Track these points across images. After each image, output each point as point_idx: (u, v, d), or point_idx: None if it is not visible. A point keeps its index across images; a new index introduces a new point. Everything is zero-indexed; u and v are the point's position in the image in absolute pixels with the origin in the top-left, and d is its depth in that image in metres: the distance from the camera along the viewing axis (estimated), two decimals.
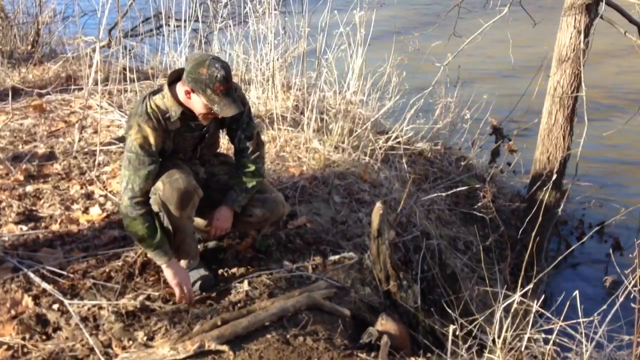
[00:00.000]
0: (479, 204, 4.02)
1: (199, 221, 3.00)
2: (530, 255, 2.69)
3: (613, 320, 2.51)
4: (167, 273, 2.77)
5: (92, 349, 2.50)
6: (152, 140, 2.64)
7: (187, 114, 2.71)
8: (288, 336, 2.62)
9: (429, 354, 2.72)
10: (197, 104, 2.62)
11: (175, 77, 2.71)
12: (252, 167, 2.93)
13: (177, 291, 2.77)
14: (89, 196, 3.56)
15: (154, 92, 2.72)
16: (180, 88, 2.64)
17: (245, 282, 2.95)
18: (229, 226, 2.91)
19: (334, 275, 3.07)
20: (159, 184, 2.67)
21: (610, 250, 3.13)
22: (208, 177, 2.95)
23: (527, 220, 3.66)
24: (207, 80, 2.53)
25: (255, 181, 2.92)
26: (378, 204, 2.94)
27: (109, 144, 4.08)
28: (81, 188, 3.63)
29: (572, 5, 4.20)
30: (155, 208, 2.70)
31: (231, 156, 3.10)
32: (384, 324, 2.77)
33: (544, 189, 4.41)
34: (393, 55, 4.92)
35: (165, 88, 2.68)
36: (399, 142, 4.68)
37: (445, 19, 4.69)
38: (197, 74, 2.54)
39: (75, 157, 3.95)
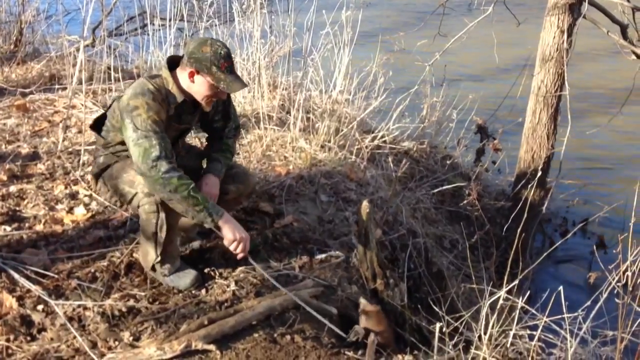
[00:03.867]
0: (465, 202, 4.05)
1: (184, 220, 2.99)
2: (516, 253, 2.72)
3: (597, 316, 2.54)
4: (227, 229, 2.64)
5: (77, 350, 2.47)
6: (162, 116, 2.61)
7: (182, 104, 2.70)
8: (275, 335, 2.62)
9: (415, 352, 2.73)
10: (202, 85, 2.61)
11: (171, 65, 2.68)
12: (232, 147, 3.02)
13: (240, 247, 2.67)
14: (73, 196, 3.53)
15: (152, 77, 2.67)
16: (182, 73, 2.62)
17: (232, 281, 2.94)
18: (217, 192, 2.88)
19: (320, 274, 3.08)
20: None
21: (594, 247, 3.16)
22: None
23: (511, 218, 3.69)
24: (212, 58, 2.53)
25: (232, 159, 3.01)
26: (365, 203, 2.95)
27: (94, 143, 4.05)
28: (65, 188, 3.60)
29: (555, 5, 4.25)
30: (151, 208, 2.67)
31: (189, 142, 3.10)
32: (365, 306, 2.77)
33: (529, 187, 4.46)
34: (379, 54, 4.94)
35: (167, 72, 2.64)
36: (385, 141, 4.70)
37: (430, 19, 4.71)
38: (201, 52, 2.53)
39: (59, 157, 3.92)
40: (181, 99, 2.68)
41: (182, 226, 3.00)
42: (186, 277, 2.88)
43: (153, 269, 2.87)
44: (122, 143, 2.72)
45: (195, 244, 3.19)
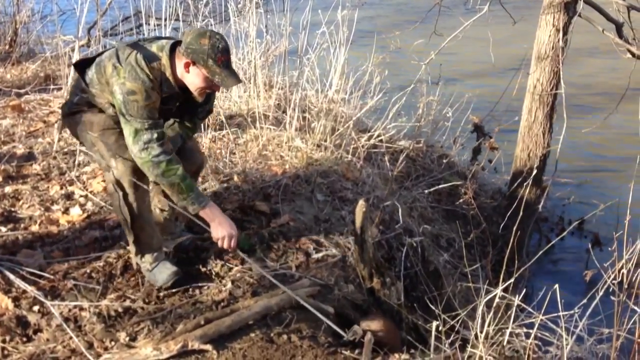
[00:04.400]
0: (461, 200, 4.05)
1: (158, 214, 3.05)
2: (512, 251, 2.72)
3: (593, 314, 2.54)
4: (213, 226, 2.66)
5: (73, 351, 2.47)
6: (157, 103, 2.61)
7: (175, 89, 2.70)
8: (272, 335, 2.62)
9: (412, 350, 2.73)
10: (196, 77, 2.60)
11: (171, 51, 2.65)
12: (198, 126, 3.08)
13: (226, 243, 2.68)
14: (69, 197, 3.53)
15: (149, 58, 2.59)
16: (179, 61, 2.61)
17: (229, 280, 2.94)
18: None
19: (317, 273, 3.07)
20: (112, 161, 2.68)
21: (591, 246, 3.16)
22: None
23: (508, 216, 3.69)
24: (209, 51, 2.52)
25: (192, 137, 3.05)
26: (361, 202, 2.95)
27: None
28: (61, 188, 3.59)
29: (550, 3, 4.25)
30: (110, 187, 2.72)
31: None
32: (370, 324, 2.77)
33: (525, 185, 4.46)
34: (375, 53, 4.94)
35: (166, 59, 2.61)
36: (381, 141, 4.70)
37: (426, 18, 4.72)
38: (199, 44, 2.52)
39: (54, 158, 3.91)
40: (175, 88, 2.67)
41: (157, 221, 3.03)
42: (163, 273, 2.85)
43: (138, 265, 2.89)
44: (94, 99, 2.71)
45: (185, 240, 3.17)
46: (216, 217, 2.67)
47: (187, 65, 2.58)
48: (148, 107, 2.55)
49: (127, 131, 2.56)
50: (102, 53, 2.72)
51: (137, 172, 2.69)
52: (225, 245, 2.69)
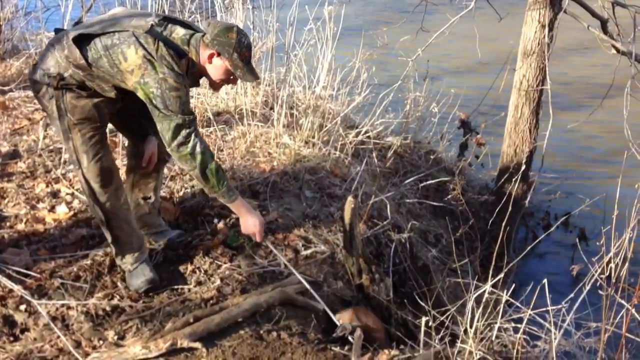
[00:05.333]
0: (449, 196, 4.07)
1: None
2: (501, 246, 2.74)
3: (580, 308, 2.57)
4: (242, 220, 2.80)
5: (61, 350, 2.45)
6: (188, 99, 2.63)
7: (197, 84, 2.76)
8: (261, 332, 2.61)
9: (402, 346, 2.74)
10: (219, 69, 2.63)
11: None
12: None
13: (257, 236, 2.83)
14: (55, 194, 3.49)
15: (179, 54, 2.56)
16: (202, 51, 2.61)
17: (217, 278, 2.93)
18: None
19: (306, 270, 3.07)
20: (83, 158, 2.66)
21: (577, 240, 3.19)
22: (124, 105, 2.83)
23: (495, 212, 3.71)
24: (235, 45, 2.56)
25: None
26: (350, 198, 2.95)
27: None
28: (47, 186, 3.55)
29: (536, 0, 4.27)
30: (81, 186, 2.74)
31: None
32: (341, 316, 2.78)
33: (512, 181, 4.49)
34: (362, 50, 4.94)
35: (195, 54, 2.61)
36: (369, 137, 4.70)
37: (412, 14, 4.72)
38: (226, 37, 2.55)
39: (40, 155, 3.87)
40: (198, 83, 2.74)
41: (142, 213, 3.04)
42: (138, 279, 2.83)
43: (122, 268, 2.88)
44: (94, 79, 2.61)
45: (175, 236, 3.16)
46: (244, 211, 2.77)
47: (211, 56, 2.60)
48: (188, 102, 2.59)
49: (166, 126, 2.54)
50: (102, 33, 2.56)
51: (105, 174, 2.69)
52: (255, 239, 2.85)
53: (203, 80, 2.80)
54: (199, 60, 2.63)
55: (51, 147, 3.97)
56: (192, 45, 2.61)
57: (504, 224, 2.83)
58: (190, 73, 2.66)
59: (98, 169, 2.67)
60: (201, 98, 4.76)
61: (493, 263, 2.64)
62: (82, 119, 2.64)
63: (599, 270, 2.38)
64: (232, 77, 2.67)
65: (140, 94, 2.55)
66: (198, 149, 2.58)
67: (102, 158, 2.69)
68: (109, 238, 2.81)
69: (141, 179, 3.04)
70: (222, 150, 4.13)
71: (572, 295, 2.52)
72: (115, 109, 2.78)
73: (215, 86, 2.77)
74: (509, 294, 2.56)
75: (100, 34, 2.57)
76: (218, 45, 2.56)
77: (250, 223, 2.78)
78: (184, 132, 2.55)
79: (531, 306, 2.49)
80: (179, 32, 2.61)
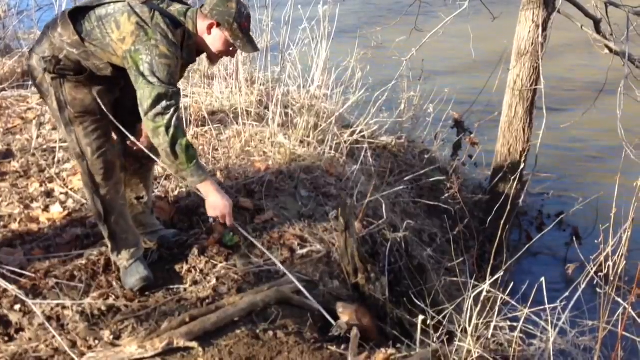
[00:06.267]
0: (446, 195, 4.07)
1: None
2: (500, 245, 2.75)
3: (575, 307, 2.58)
4: (208, 203, 2.62)
5: (56, 350, 2.44)
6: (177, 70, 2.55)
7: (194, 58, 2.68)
8: (258, 331, 2.61)
9: (398, 345, 2.75)
10: (219, 40, 2.58)
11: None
12: None
13: (228, 220, 2.66)
14: (49, 194, 3.48)
15: (174, 24, 2.52)
16: (201, 22, 2.57)
17: (213, 277, 2.92)
18: None
19: (302, 269, 3.07)
20: (87, 150, 2.63)
21: (574, 239, 3.20)
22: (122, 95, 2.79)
23: (492, 211, 3.73)
24: (235, 15, 2.52)
25: None
26: (345, 198, 2.95)
27: None
28: (40, 186, 3.54)
29: (530, 0, 4.29)
30: (84, 179, 2.69)
31: None
32: (342, 312, 2.78)
33: (506, 180, 4.50)
34: (357, 49, 4.94)
35: (192, 25, 2.56)
36: (363, 136, 4.70)
37: (407, 14, 4.73)
38: (226, 7, 2.52)
39: (33, 155, 3.85)
40: (194, 56, 2.66)
41: (135, 212, 3.02)
42: (132, 277, 2.82)
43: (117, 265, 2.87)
44: (89, 57, 2.55)
45: (169, 234, 3.15)
46: (214, 191, 2.62)
47: (210, 27, 2.56)
48: (176, 73, 2.52)
49: (148, 94, 2.44)
50: (98, 5, 2.53)
51: (108, 167, 2.67)
52: (222, 221, 2.67)
53: (195, 69, 2.75)
54: (197, 31, 2.58)
55: (45, 147, 3.94)
56: (188, 17, 2.57)
57: (502, 221, 2.84)
58: (186, 45, 2.59)
59: (102, 162, 2.66)
60: (196, 97, 4.75)
61: (491, 262, 2.64)
62: (82, 112, 2.61)
63: (594, 269, 2.39)
64: (231, 49, 2.62)
65: (127, 63, 2.47)
66: (174, 122, 2.46)
67: (107, 152, 2.67)
68: (106, 233, 2.80)
69: (132, 179, 3.02)
70: (217, 150, 4.12)
71: (567, 293, 2.53)
72: (113, 99, 2.73)
73: (213, 59, 2.70)
74: (507, 293, 2.57)
75: (96, 6, 2.53)
76: (218, 16, 2.52)
77: (220, 204, 2.62)
78: (164, 103, 2.45)
79: (529, 304, 2.49)
80: (176, 6, 2.58)
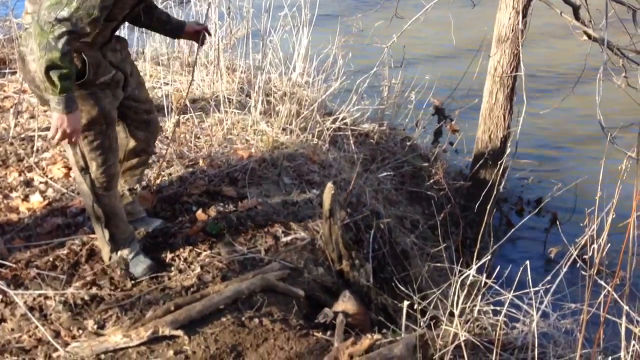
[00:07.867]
0: (431, 181, 4.09)
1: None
2: (486, 230, 2.78)
3: (556, 290, 2.61)
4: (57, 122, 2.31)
5: (39, 340, 2.42)
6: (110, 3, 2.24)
7: None
8: (243, 318, 2.61)
9: (384, 330, 2.77)
10: None
11: None
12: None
13: (57, 135, 2.33)
14: (28, 183, 3.42)
15: None
16: None
17: (197, 266, 2.91)
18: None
19: (286, 257, 3.07)
20: (92, 164, 2.57)
21: (553, 224, 3.24)
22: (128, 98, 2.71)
23: (473, 197, 3.76)
24: None
25: None
26: (329, 185, 2.96)
27: (47, 129, 3.92)
28: (19, 175, 3.48)
29: None
30: (83, 189, 2.63)
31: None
32: (345, 301, 2.80)
33: (487, 167, 4.54)
34: (338, 36, 4.92)
35: None
36: (345, 124, 4.70)
37: (387, 0, 4.71)
38: None
39: (11, 144, 3.78)
40: None
41: (126, 204, 2.99)
42: (139, 267, 2.83)
43: (111, 259, 2.84)
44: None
45: (155, 225, 3.13)
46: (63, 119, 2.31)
47: None
48: (105, 8, 2.21)
49: None
50: None
51: (112, 179, 2.65)
52: (51, 134, 2.36)
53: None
54: None
55: (23, 136, 3.87)
56: None
57: (488, 207, 2.87)
58: None
59: (106, 176, 2.62)
60: (177, 84, 4.70)
61: (477, 247, 2.67)
62: (87, 124, 2.47)
63: (575, 252, 2.43)
64: None
65: None
66: (60, 44, 2.15)
67: (112, 165, 2.63)
68: (106, 237, 2.77)
69: (127, 170, 2.98)
70: (199, 138, 4.09)
71: (549, 277, 2.56)
72: (118, 103, 2.63)
73: None
74: (492, 277, 2.60)
75: None
76: None
77: (55, 127, 2.31)
78: (65, 14, 2.12)
79: (513, 289, 2.52)
80: None
